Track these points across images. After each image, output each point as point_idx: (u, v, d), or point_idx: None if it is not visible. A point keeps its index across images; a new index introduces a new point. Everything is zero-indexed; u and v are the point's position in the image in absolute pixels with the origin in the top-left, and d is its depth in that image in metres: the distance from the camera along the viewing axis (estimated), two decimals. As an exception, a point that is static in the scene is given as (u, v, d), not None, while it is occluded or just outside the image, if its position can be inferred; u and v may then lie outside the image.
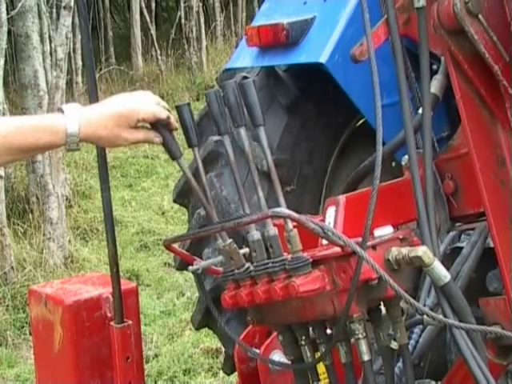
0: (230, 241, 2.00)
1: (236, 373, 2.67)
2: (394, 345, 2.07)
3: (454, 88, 2.19)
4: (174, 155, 2.02)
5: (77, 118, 1.87)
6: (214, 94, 2.02)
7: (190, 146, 2.08)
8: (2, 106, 6.39)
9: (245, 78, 2.99)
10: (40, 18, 7.42)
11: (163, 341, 5.56)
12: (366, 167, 2.43)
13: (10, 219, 7.03)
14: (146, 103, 1.96)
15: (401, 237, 1.97)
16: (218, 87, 3.08)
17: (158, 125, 1.98)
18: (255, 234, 1.96)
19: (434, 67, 2.31)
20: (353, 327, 1.95)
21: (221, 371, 4.69)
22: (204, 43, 14.09)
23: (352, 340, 2.01)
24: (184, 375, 5.07)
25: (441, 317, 1.96)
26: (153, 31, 14.10)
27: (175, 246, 2.28)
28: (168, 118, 1.97)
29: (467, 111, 2.18)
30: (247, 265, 1.99)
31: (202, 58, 13.86)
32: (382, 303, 2.03)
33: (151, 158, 9.97)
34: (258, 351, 2.42)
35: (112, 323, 2.72)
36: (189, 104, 2.07)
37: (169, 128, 1.99)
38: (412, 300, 1.85)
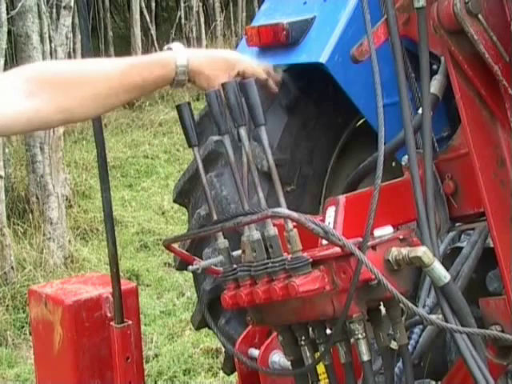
0: (248, 234, 2.00)
1: (236, 373, 2.67)
2: (394, 345, 2.07)
3: (453, 88, 2.19)
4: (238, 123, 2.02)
5: (185, 52, 1.98)
6: (214, 94, 2.02)
7: (190, 145, 2.08)
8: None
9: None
10: (40, 18, 7.40)
11: (163, 341, 5.56)
12: (365, 167, 2.43)
13: (10, 219, 7.03)
14: (249, 59, 2.13)
15: (401, 237, 1.97)
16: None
17: None
18: (255, 234, 1.96)
19: (434, 67, 2.31)
20: (352, 327, 1.95)
21: (221, 371, 4.69)
22: (204, 43, 14.09)
23: (352, 340, 2.01)
24: (184, 375, 5.07)
25: (439, 321, 1.96)
26: (153, 31, 14.10)
27: (175, 245, 2.28)
28: (266, 80, 2.10)
29: (467, 111, 2.18)
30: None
31: (202, 58, 13.84)
32: (381, 303, 2.03)
33: (151, 157, 9.96)
34: (252, 359, 2.43)
35: (112, 323, 2.73)
36: (189, 104, 2.07)
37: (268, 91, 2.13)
38: (410, 304, 1.85)
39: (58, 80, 1.85)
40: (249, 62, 2.11)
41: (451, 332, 1.98)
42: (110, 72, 1.91)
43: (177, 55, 1.97)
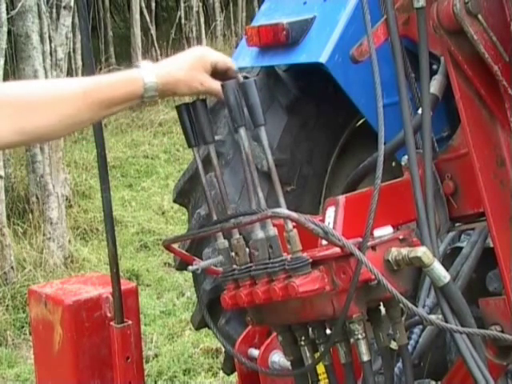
0: (238, 236, 2.00)
1: (236, 373, 2.67)
2: (394, 345, 2.07)
3: (453, 88, 2.19)
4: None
5: (152, 67, 1.94)
6: (230, 86, 2.00)
7: (190, 146, 2.08)
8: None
9: (245, 77, 2.98)
10: (40, 18, 7.40)
11: (163, 341, 5.56)
12: (365, 167, 2.43)
13: (10, 219, 7.03)
14: (216, 52, 2.05)
15: (400, 237, 1.97)
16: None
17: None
18: (259, 234, 1.95)
19: (434, 67, 2.31)
20: (352, 327, 1.95)
21: (221, 371, 4.69)
22: (204, 43, 14.09)
23: (351, 340, 2.01)
24: (184, 375, 5.07)
25: (439, 321, 1.96)
26: (153, 31, 14.10)
27: (175, 245, 2.28)
28: (236, 70, 2.04)
29: (467, 111, 2.18)
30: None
31: (202, 58, 13.84)
32: (381, 303, 2.03)
33: (151, 157, 9.96)
34: (252, 359, 2.43)
35: (112, 323, 2.73)
36: (189, 104, 2.06)
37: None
38: (410, 304, 1.85)
39: (19, 101, 1.82)
40: (218, 53, 2.05)
41: (451, 332, 1.98)
42: (74, 91, 1.86)
43: (144, 72, 1.92)
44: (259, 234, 1.95)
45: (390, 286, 1.83)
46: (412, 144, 2.14)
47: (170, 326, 5.78)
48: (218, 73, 2.01)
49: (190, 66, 1.96)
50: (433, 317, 2.15)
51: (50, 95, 1.86)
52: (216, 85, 2.00)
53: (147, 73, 1.91)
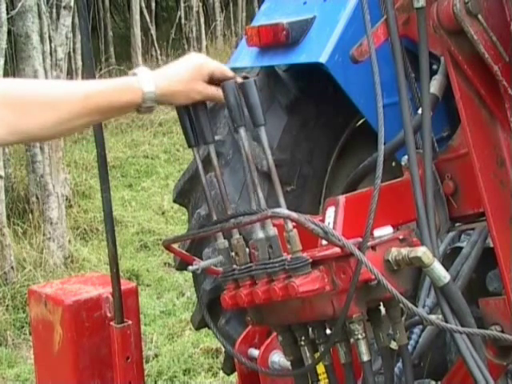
0: (238, 236, 2.00)
1: (236, 373, 2.67)
2: (394, 345, 2.07)
3: (453, 88, 2.19)
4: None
5: (151, 76, 1.93)
6: (230, 86, 2.01)
7: (190, 146, 2.08)
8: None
9: (245, 77, 2.98)
10: (40, 18, 7.39)
11: (163, 341, 5.56)
12: (365, 167, 2.43)
13: (10, 219, 7.03)
14: (212, 60, 2.04)
15: (400, 237, 1.97)
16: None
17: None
18: (259, 234, 1.95)
19: (434, 67, 2.31)
20: (352, 327, 1.95)
21: (221, 371, 4.69)
22: (204, 43, 14.10)
23: (351, 340, 2.01)
24: (184, 375, 5.07)
25: (439, 321, 1.96)
26: (153, 31, 14.11)
27: (175, 245, 2.28)
28: (234, 76, 2.03)
29: (467, 111, 2.18)
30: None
31: (202, 58, 13.84)
32: (381, 303, 2.03)
33: (151, 157, 9.96)
34: (252, 359, 2.43)
35: (112, 323, 2.73)
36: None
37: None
38: (410, 304, 1.85)
39: (18, 101, 1.80)
40: (215, 62, 2.05)
41: (451, 332, 1.98)
42: (74, 95, 1.86)
43: (143, 82, 1.90)
44: (259, 233, 1.95)
45: (390, 286, 1.83)
46: (412, 144, 2.14)
47: (170, 326, 5.78)
48: (215, 80, 2.02)
49: (188, 77, 1.96)
50: (433, 317, 2.15)
51: (48, 97, 1.85)
52: (213, 91, 2.00)
53: (146, 83, 1.90)
